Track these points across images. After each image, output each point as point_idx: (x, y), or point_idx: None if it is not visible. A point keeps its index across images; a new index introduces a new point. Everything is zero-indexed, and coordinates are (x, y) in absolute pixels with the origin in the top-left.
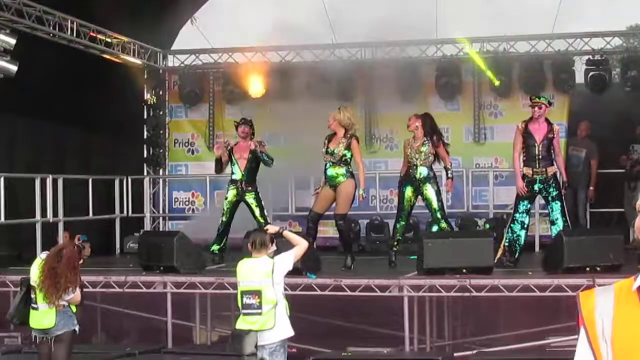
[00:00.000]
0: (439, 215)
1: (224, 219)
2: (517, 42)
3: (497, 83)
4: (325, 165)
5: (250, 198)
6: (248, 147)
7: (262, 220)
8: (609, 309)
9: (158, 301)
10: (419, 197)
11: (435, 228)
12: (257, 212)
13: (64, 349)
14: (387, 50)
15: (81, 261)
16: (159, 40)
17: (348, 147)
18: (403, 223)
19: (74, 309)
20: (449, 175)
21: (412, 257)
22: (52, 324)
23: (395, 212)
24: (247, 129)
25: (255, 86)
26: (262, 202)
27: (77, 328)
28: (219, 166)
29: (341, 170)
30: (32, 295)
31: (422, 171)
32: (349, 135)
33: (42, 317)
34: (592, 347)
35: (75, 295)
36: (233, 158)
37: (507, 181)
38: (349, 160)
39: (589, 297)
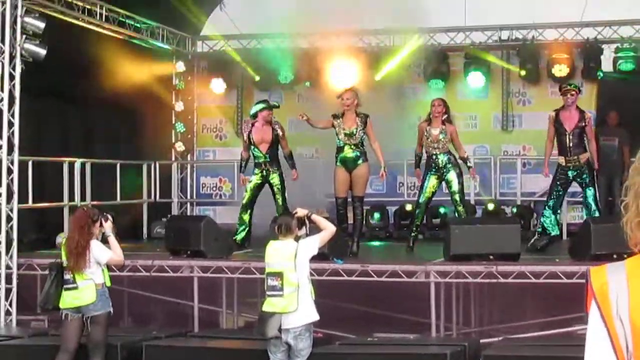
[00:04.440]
0: (457, 198)
1: (244, 201)
2: (545, 29)
3: None
4: (343, 147)
5: (274, 179)
6: (270, 131)
7: (280, 204)
8: (623, 286)
9: (185, 285)
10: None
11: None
12: (278, 194)
13: (101, 330)
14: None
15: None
16: (188, 26)
17: (364, 128)
18: (422, 209)
19: (107, 282)
20: (469, 164)
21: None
22: (93, 299)
23: None
24: (270, 114)
25: (284, 72)
26: (285, 184)
27: (111, 310)
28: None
29: (358, 152)
30: (67, 276)
31: (443, 158)
32: (362, 116)
33: (81, 294)
34: (606, 324)
35: (115, 255)
36: (252, 141)
37: (534, 169)
38: (364, 141)
39: (600, 272)
